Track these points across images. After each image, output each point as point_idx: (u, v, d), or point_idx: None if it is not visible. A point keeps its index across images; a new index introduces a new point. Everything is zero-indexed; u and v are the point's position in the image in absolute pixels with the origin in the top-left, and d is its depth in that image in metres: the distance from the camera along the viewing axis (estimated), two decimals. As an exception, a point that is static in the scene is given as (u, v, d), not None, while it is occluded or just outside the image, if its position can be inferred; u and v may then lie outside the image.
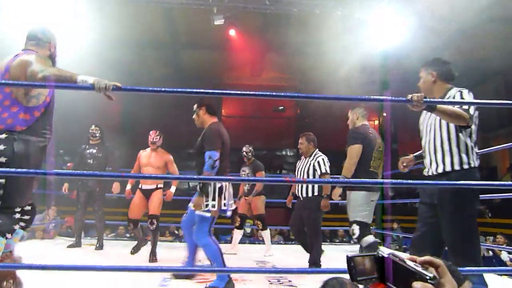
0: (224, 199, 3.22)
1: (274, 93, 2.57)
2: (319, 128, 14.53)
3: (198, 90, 2.43)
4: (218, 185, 3.21)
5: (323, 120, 13.25)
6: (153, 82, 13.14)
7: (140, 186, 4.84)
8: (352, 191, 3.43)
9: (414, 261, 0.83)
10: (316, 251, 4.19)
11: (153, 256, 4.56)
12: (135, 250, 4.92)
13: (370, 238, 3.35)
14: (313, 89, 11.57)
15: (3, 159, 2.28)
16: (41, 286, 2.93)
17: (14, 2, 7.62)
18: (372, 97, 2.41)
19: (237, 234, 5.61)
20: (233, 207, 3.39)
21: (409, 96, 2.35)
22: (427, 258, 0.85)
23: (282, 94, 2.56)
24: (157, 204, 4.74)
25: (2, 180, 2.28)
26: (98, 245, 5.33)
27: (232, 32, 9.24)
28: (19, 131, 2.36)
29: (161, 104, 12.04)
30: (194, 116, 3.52)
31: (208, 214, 3.20)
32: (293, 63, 11.89)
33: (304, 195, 4.40)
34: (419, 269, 0.81)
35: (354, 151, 3.41)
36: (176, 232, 8.97)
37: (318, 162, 4.49)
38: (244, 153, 5.65)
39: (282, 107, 15.76)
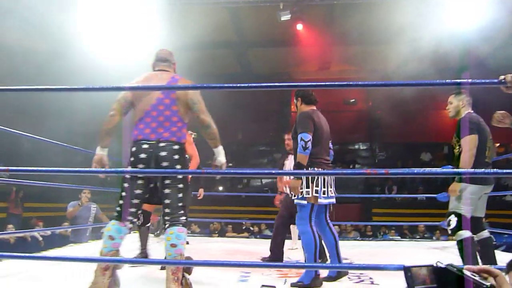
0: (317, 186, 3.20)
1: (341, 83, 2.48)
2: (391, 120, 14.02)
3: (263, 84, 2.42)
4: (312, 170, 3.23)
5: (395, 112, 12.73)
6: (222, 81, 13.45)
7: None
8: (467, 184, 3.19)
9: (473, 271, 0.85)
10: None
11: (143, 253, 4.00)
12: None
13: (466, 233, 3.12)
14: (384, 80, 11.16)
15: (179, 166, 2.67)
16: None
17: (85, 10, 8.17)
18: (457, 80, 2.15)
19: (295, 228, 5.40)
20: (332, 195, 3.32)
21: (502, 77, 2.13)
22: (484, 267, 0.86)
23: (347, 83, 2.46)
24: None
25: (182, 185, 2.68)
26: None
27: (299, 27, 9.15)
28: (183, 143, 2.74)
29: (232, 102, 12.27)
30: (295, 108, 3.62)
31: (304, 202, 3.23)
32: (362, 54, 11.54)
33: (285, 190, 4.44)
34: (477, 278, 0.84)
35: (471, 142, 3.15)
36: (251, 228, 9.12)
37: None
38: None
39: (353, 100, 15.37)
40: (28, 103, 9.69)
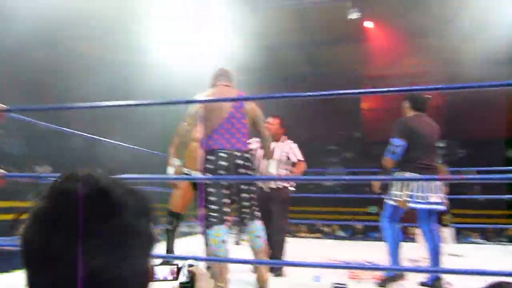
0: (412, 190, 3.18)
1: (419, 87, 2.40)
2: (471, 115, 13.15)
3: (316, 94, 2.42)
4: (406, 174, 3.25)
5: (476, 106, 11.96)
6: (292, 81, 13.52)
7: (188, 171, 3.76)
8: None
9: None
10: (282, 247, 3.89)
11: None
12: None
13: None
14: (462, 72, 10.51)
15: (252, 172, 3.06)
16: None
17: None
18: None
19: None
20: (429, 201, 3.17)
21: None
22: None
23: (418, 87, 2.37)
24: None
25: (255, 188, 3.07)
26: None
27: (368, 24, 8.96)
28: (251, 152, 3.16)
29: (300, 100, 12.28)
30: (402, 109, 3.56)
31: (390, 202, 3.29)
32: (437, 46, 10.97)
33: (273, 186, 3.91)
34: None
35: None
36: (324, 229, 9.08)
37: (291, 147, 3.98)
38: None
39: (428, 96, 14.67)
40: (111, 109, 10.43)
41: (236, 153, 2.93)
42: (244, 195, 2.97)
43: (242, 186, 2.98)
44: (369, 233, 8.92)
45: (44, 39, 8.71)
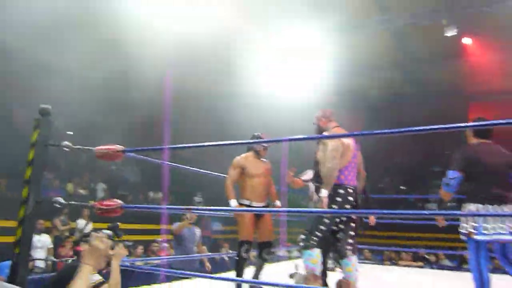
0: (475, 222, 2.92)
1: None
2: None
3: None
4: (471, 207, 2.99)
5: None
6: (390, 102, 13.17)
7: (249, 203, 3.91)
8: None
9: None
10: None
11: None
12: None
13: None
14: None
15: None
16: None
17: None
18: None
19: None
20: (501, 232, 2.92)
21: None
22: None
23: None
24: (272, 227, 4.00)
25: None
26: None
27: (466, 40, 8.52)
28: None
29: (399, 119, 11.88)
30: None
31: (464, 237, 3.02)
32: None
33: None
34: None
35: None
36: (427, 257, 8.58)
37: None
38: None
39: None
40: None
41: (355, 190, 3.23)
42: (351, 227, 3.21)
43: (350, 220, 3.22)
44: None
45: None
